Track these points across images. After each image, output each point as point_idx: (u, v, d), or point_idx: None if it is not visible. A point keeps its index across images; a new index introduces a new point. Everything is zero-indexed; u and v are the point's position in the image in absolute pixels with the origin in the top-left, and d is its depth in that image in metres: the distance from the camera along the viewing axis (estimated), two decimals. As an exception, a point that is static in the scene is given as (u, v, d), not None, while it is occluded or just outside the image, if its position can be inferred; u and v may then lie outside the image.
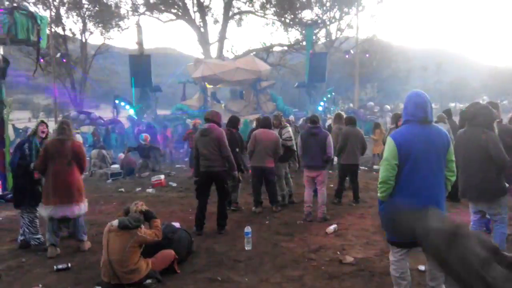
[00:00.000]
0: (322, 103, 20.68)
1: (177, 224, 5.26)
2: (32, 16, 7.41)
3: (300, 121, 13.99)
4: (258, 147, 6.82)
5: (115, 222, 4.11)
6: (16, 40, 7.38)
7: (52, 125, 6.92)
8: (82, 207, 5.19)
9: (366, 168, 11.43)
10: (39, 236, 5.38)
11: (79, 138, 10.74)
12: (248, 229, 5.15)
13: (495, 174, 3.95)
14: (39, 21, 7.47)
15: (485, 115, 4.03)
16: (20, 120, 35.84)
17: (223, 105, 25.93)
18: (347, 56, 27.81)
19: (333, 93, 22.41)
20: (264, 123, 7.18)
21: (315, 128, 6.44)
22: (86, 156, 5.49)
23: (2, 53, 7.82)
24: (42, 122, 5.70)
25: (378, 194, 3.18)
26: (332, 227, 5.81)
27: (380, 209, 3.30)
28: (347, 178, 7.85)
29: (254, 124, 9.95)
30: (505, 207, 4.11)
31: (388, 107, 24.72)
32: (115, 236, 4.04)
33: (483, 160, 3.94)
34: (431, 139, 3.04)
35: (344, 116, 8.90)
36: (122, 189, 9.46)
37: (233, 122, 7.24)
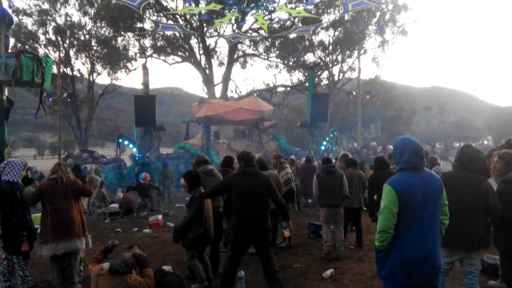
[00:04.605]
0: (324, 143, 20.74)
1: (168, 268, 5.16)
2: (38, 59, 7.59)
3: (302, 161, 13.79)
4: None
5: (106, 266, 4.01)
6: (21, 82, 7.53)
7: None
8: (83, 242, 5.11)
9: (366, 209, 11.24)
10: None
11: (97, 178, 10.70)
12: (241, 273, 5.01)
13: (484, 224, 3.86)
14: (44, 64, 7.66)
15: (483, 160, 4.00)
16: (26, 157, 36.08)
17: (225, 144, 26.14)
18: (350, 97, 28.17)
19: (335, 133, 22.50)
20: None
21: (332, 167, 6.79)
22: (81, 184, 5.21)
23: (7, 94, 7.99)
24: None
25: (376, 243, 3.05)
26: (329, 271, 5.70)
27: (378, 258, 3.14)
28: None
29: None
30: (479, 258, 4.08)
31: (391, 147, 24.72)
32: (104, 280, 3.94)
33: (478, 207, 3.81)
34: (427, 185, 3.00)
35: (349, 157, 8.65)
36: (119, 229, 9.36)
37: (227, 162, 7.18)
